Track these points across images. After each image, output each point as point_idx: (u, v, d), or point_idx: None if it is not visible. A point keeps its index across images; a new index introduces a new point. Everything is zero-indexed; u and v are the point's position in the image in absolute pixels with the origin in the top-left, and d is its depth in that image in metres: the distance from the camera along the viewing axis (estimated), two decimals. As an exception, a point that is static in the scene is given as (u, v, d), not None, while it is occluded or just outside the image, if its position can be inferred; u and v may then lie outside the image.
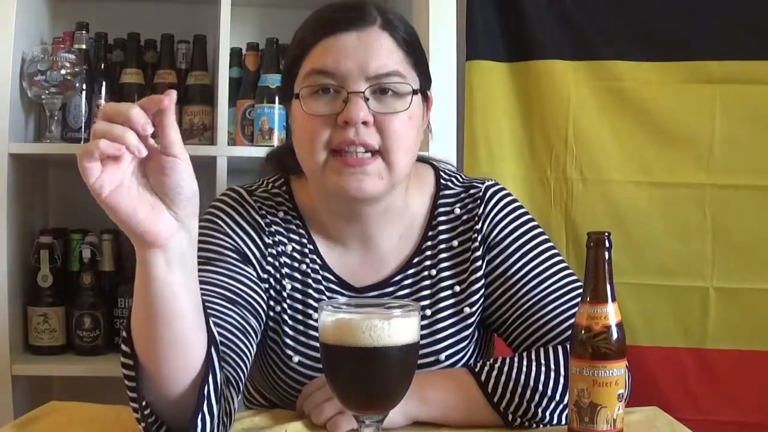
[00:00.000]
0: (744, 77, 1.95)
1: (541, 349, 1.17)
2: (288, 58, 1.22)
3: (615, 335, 1.03)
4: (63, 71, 1.91)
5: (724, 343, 1.96)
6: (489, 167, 1.98)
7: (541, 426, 1.14)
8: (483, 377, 1.13)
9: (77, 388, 1.98)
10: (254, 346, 1.18)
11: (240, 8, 1.99)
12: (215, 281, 1.16)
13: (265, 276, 1.23)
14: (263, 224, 1.24)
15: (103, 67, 2.05)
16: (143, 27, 2.10)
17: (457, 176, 1.33)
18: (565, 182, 1.99)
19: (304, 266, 1.24)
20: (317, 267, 1.25)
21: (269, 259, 1.23)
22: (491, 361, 1.16)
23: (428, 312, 1.25)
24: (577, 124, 1.99)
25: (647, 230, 1.98)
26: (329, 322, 0.96)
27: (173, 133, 0.86)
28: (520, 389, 1.12)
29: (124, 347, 0.97)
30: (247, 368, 1.14)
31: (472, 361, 1.28)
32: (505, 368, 1.14)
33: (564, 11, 1.99)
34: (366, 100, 1.12)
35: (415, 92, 1.16)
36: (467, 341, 1.26)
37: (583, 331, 1.04)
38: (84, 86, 1.98)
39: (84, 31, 2.02)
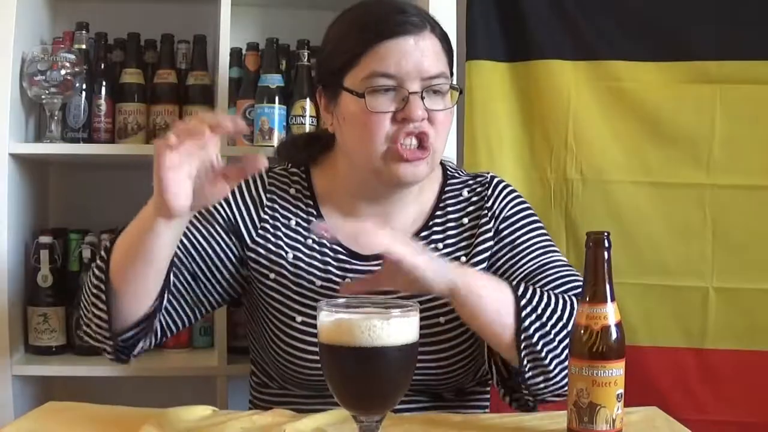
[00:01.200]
0: (744, 77, 1.94)
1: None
2: (336, 58, 1.30)
3: (614, 335, 1.03)
4: (63, 71, 1.91)
5: (724, 343, 1.96)
6: (489, 167, 1.97)
7: (534, 361, 1.19)
8: (521, 290, 1.23)
9: (77, 388, 1.98)
10: (197, 306, 1.35)
11: (240, 8, 1.99)
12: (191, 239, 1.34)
13: (254, 246, 1.36)
14: (264, 199, 1.38)
15: (103, 67, 2.05)
16: (143, 27, 2.10)
17: (461, 170, 1.49)
18: (565, 182, 1.99)
19: (310, 241, 1.36)
20: (324, 241, 1.34)
21: (260, 231, 1.36)
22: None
23: None
24: (577, 124, 1.98)
25: (647, 230, 1.98)
26: (328, 322, 0.96)
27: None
28: (543, 304, 1.22)
29: (98, 272, 1.21)
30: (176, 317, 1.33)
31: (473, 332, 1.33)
32: (538, 290, 1.24)
33: (564, 11, 1.98)
34: (422, 98, 1.26)
35: (455, 89, 1.32)
36: None
37: (582, 331, 1.04)
38: (84, 86, 1.98)
39: (84, 31, 2.02)
